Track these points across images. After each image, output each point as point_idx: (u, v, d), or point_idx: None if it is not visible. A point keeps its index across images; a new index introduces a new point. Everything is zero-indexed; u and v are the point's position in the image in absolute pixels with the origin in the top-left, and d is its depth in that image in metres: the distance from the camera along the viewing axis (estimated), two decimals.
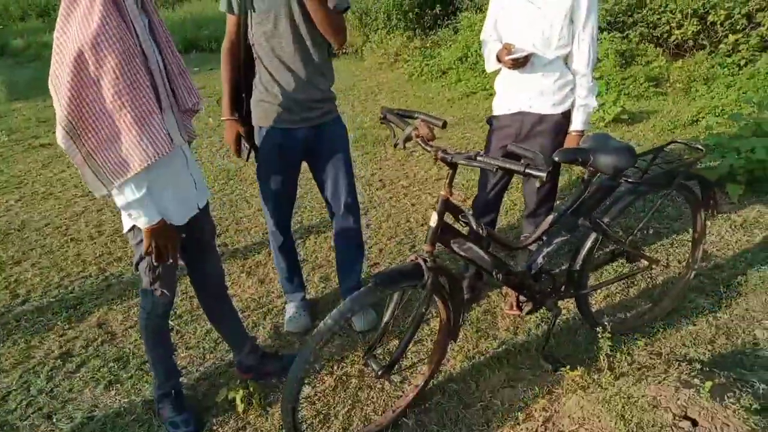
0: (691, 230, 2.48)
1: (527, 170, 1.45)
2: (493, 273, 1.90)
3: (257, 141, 2.32)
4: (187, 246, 1.96)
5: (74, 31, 1.41)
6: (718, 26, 6.06)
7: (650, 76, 6.03)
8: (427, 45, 8.86)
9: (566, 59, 2.23)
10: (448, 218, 1.80)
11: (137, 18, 1.51)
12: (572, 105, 2.26)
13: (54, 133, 5.29)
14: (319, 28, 2.08)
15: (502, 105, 2.41)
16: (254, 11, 2.07)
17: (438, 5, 9.46)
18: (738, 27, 5.92)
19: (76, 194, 4.47)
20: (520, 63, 2.18)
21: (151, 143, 1.52)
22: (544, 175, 1.41)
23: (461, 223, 1.83)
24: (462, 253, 1.85)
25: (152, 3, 1.65)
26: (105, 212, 4.07)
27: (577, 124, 2.25)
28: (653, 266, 2.28)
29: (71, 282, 3.15)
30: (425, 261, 1.75)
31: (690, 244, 2.54)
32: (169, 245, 1.71)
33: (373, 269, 3.10)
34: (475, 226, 1.79)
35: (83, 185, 4.65)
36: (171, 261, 1.77)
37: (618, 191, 2.08)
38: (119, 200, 1.60)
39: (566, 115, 2.28)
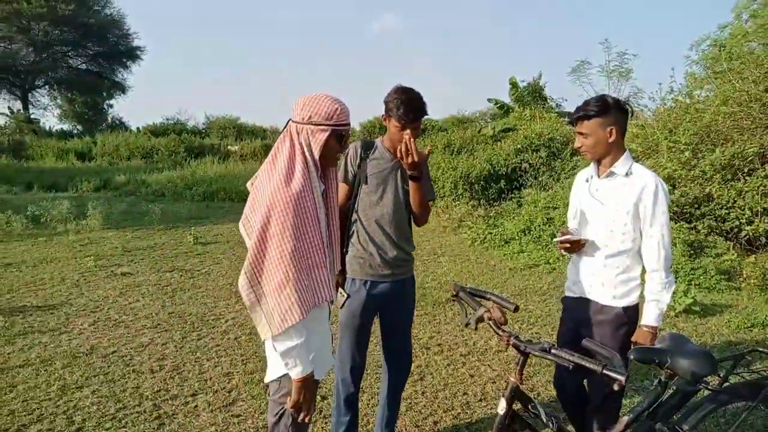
0: None
1: (605, 371, 1.43)
2: None
3: (348, 290, 2.59)
4: None
5: (273, 186, 1.69)
6: None
7: (721, 268, 5.91)
8: (491, 214, 9.20)
9: (640, 254, 2.27)
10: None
11: (317, 187, 1.77)
12: (638, 299, 2.27)
13: (135, 263, 5.69)
14: (414, 208, 2.57)
15: (569, 287, 2.49)
16: (366, 184, 2.53)
17: (503, 180, 10.00)
18: None
19: (145, 325, 4.66)
20: (570, 248, 2.33)
21: (316, 292, 1.71)
22: (623, 379, 1.39)
23: (530, 413, 1.77)
24: None
25: (335, 174, 1.94)
26: (169, 346, 4.19)
27: (648, 318, 2.20)
28: None
29: (126, 415, 3.17)
30: None
31: None
32: (311, 401, 1.75)
33: None
34: (545, 419, 1.73)
35: (153, 316, 4.87)
36: (308, 422, 1.78)
37: (697, 398, 1.97)
38: (283, 346, 1.68)
39: (629, 311, 2.26)
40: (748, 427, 3.09)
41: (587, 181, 2.42)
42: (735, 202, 6.41)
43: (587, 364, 1.47)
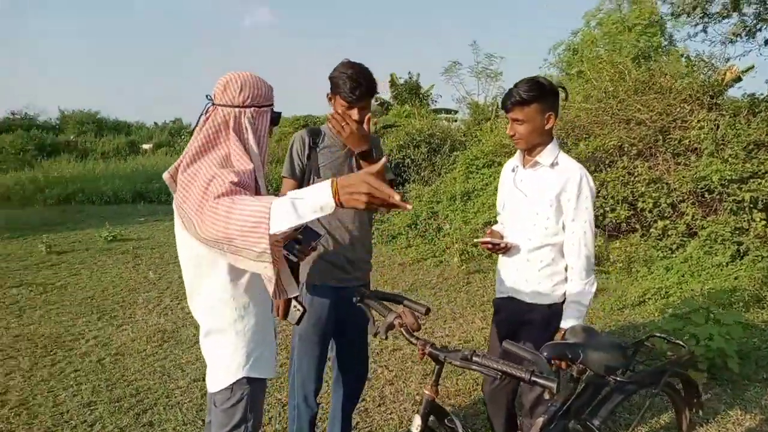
0: (660, 418, 2.32)
1: (534, 378, 1.29)
2: None
3: (306, 300, 2.26)
4: None
5: (209, 167, 1.46)
6: (647, 213, 6.58)
7: None
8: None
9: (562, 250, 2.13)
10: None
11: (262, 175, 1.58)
12: (564, 296, 2.13)
13: None
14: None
15: (498, 288, 2.33)
16: (319, 177, 2.19)
17: None
18: (665, 214, 6.45)
19: None
20: (493, 249, 2.19)
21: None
22: (554, 386, 1.26)
23: (446, 427, 1.61)
24: None
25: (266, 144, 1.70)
26: (14, 377, 3.52)
27: (565, 321, 2.08)
28: None
29: None
30: None
31: None
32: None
33: None
34: None
35: None
36: None
37: (605, 389, 1.94)
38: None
39: (556, 308, 2.13)
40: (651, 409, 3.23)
41: (513, 170, 2.28)
42: (599, 191, 6.89)
43: (515, 372, 1.32)
